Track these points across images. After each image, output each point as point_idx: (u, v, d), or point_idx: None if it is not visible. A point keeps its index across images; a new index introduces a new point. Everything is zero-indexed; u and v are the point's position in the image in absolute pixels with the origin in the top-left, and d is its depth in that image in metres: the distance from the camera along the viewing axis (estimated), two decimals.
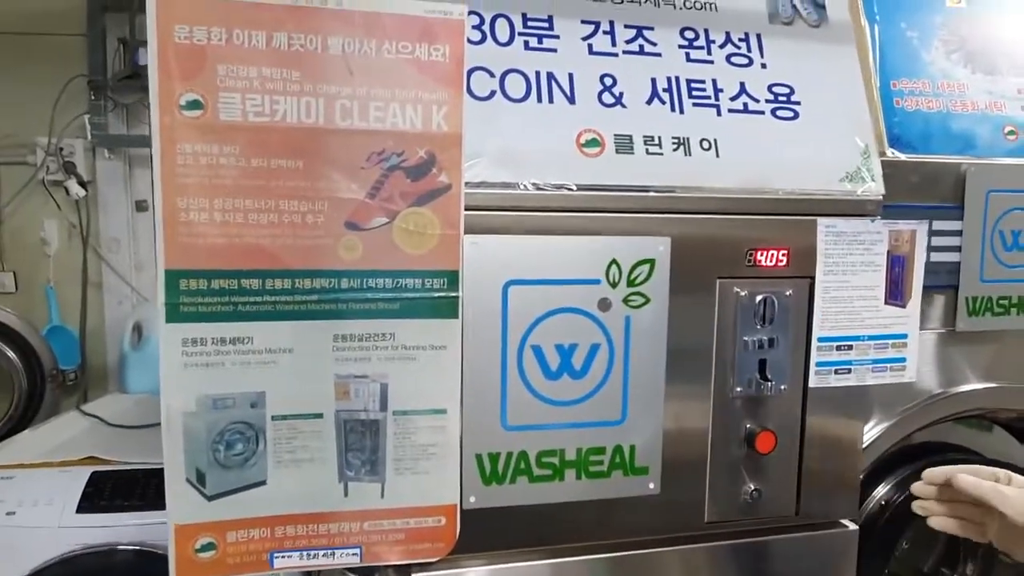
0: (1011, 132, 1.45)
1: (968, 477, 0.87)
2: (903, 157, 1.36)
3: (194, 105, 0.82)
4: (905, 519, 1.47)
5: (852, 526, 1.15)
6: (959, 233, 1.36)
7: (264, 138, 0.84)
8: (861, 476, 1.41)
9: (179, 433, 0.86)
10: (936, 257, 1.37)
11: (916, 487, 0.91)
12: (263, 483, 0.90)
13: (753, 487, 1.07)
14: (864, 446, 1.38)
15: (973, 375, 1.43)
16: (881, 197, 1.06)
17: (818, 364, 1.07)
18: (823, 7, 1.10)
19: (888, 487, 1.46)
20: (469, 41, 0.95)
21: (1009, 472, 0.89)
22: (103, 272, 2.25)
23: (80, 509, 1.20)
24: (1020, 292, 1.40)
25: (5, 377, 2.07)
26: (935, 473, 0.89)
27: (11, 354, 2.06)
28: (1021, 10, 1.51)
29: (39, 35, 2.11)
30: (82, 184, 2.14)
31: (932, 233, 1.37)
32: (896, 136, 1.39)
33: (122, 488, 1.24)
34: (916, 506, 0.91)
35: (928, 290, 1.36)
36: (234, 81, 0.83)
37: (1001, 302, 1.40)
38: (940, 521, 0.89)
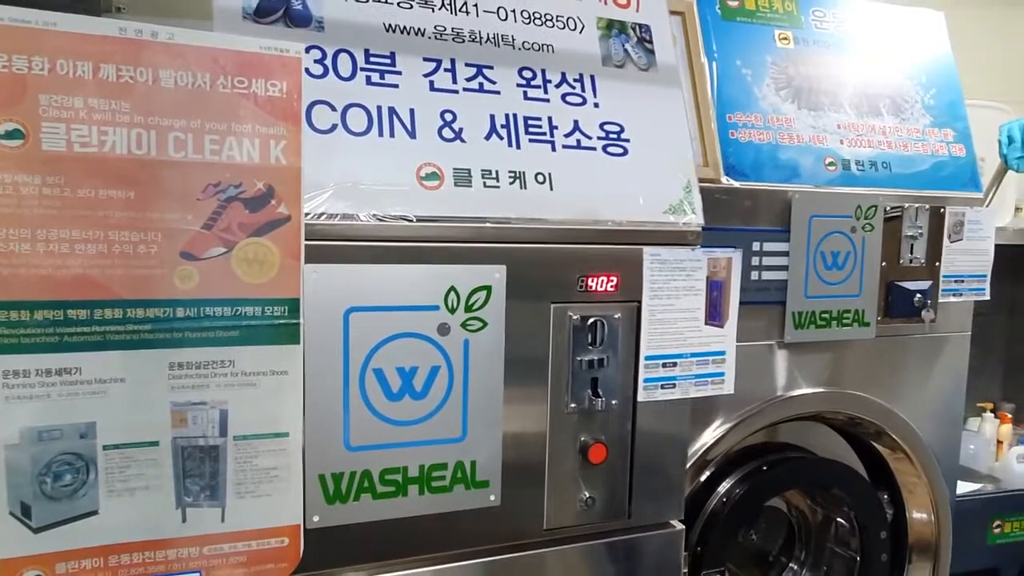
0: (831, 163, 1.61)
1: None
2: (736, 184, 1.49)
3: (14, 135, 0.81)
4: (748, 512, 1.61)
5: (679, 525, 1.25)
6: (787, 254, 1.51)
7: (92, 168, 0.84)
8: (706, 475, 1.54)
9: (1, 467, 0.85)
10: (767, 275, 1.52)
11: None
12: (95, 513, 0.89)
13: (588, 495, 1.16)
14: (708, 446, 1.51)
15: (804, 381, 1.59)
16: (701, 228, 1.17)
17: (646, 380, 1.16)
18: (653, 52, 1.20)
19: (730, 483, 1.60)
20: (310, 75, 0.98)
21: None
22: None
23: None
24: (839, 307, 1.57)
25: None
26: None
27: None
28: (841, 54, 1.68)
29: None
30: None
31: (763, 254, 1.51)
32: (731, 165, 1.52)
33: None
34: None
35: (761, 305, 1.51)
36: (58, 111, 0.82)
37: (823, 315, 1.56)
38: None
